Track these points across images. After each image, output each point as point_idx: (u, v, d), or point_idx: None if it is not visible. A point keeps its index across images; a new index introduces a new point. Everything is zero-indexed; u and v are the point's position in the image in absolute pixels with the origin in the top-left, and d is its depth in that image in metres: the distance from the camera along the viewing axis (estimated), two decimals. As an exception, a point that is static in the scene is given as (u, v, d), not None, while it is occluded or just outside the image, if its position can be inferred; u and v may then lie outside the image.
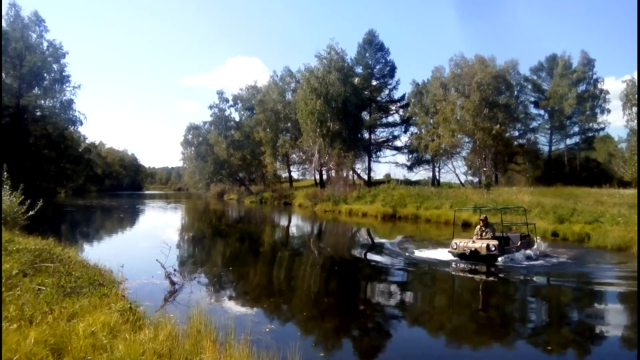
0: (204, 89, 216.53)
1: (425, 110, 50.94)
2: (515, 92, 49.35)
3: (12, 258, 9.00)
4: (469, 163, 49.67)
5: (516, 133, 51.43)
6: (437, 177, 53.95)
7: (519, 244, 14.42)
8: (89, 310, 6.13)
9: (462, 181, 50.31)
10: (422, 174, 55.42)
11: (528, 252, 14.36)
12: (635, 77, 38.88)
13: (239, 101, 67.29)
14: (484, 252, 12.99)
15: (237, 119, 67.81)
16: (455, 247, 13.60)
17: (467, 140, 47.62)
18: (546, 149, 53.72)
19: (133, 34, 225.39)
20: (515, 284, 11.54)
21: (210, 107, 65.33)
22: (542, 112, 53.46)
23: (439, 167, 53.44)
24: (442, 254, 14.27)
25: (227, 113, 66.39)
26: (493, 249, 12.97)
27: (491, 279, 12.03)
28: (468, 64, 46.21)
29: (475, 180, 48.22)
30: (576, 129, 51.74)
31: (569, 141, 52.83)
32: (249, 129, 63.45)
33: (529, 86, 54.24)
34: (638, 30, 8.44)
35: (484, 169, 45.02)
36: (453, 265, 13.13)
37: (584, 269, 13.37)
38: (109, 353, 4.63)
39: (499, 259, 13.06)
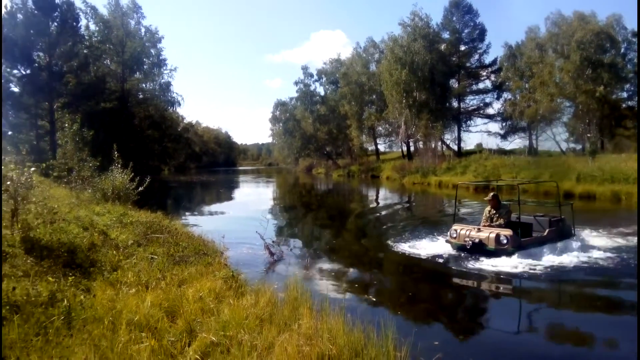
0: (290, 64, 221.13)
1: (520, 74, 47.59)
2: (622, 50, 44.27)
3: (127, 230, 9.95)
4: (570, 129, 45.85)
5: (624, 94, 46.26)
6: (535, 146, 50.59)
7: (546, 233, 10.42)
8: (196, 277, 6.64)
9: (563, 149, 46.77)
10: (517, 142, 52.12)
11: (561, 244, 10.36)
12: None
13: (323, 75, 67.47)
14: (492, 245, 9.52)
15: (322, 93, 68.29)
16: (454, 235, 10.31)
17: (567, 104, 43.92)
18: (660, 110, 48.10)
19: (219, 16, 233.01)
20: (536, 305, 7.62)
21: (296, 83, 66.52)
22: (655, 69, 47.68)
23: (536, 134, 49.92)
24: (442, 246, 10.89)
25: (312, 88, 67.13)
26: (505, 241, 9.44)
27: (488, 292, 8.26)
28: (566, 22, 42.28)
29: (579, 147, 44.58)
30: (695, 86, 45.59)
31: (685, 101, 46.74)
32: (334, 102, 63.55)
33: (638, 42, 48.49)
34: (638, 29, 7.22)
35: (588, 135, 41.43)
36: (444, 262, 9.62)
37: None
38: (216, 316, 4.98)
39: (513, 255, 9.32)
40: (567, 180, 23.16)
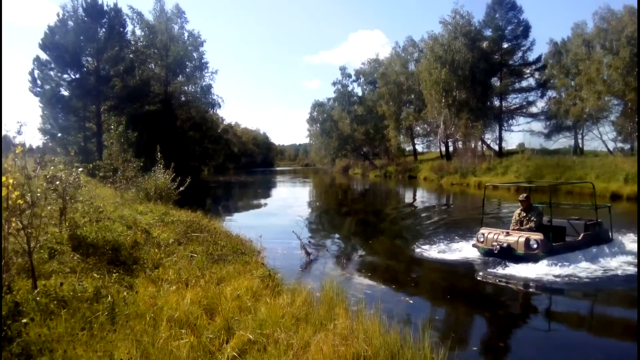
0: (328, 65, 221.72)
1: (565, 72, 46.04)
2: (676, 45, 42.12)
3: (169, 228, 10.22)
4: (618, 128, 43.90)
5: (677, 92, 44.08)
6: (580, 145, 48.74)
7: (580, 237, 9.78)
8: (234, 276, 6.75)
9: (611, 149, 44.83)
10: (562, 142, 50.16)
11: (597, 250, 9.65)
12: None
13: (361, 76, 67.27)
14: (521, 250, 9.00)
15: (360, 93, 68.08)
16: (481, 239, 9.78)
17: (616, 102, 42.08)
18: None
19: (258, 18, 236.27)
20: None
21: (334, 84, 66.63)
22: None
23: (582, 133, 48.12)
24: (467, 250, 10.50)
25: (349, 88, 67.06)
26: (535, 245, 8.89)
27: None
28: (616, 17, 40.53)
29: (627, 147, 42.64)
30: None
31: None
32: (372, 103, 63.23)
33: (697, 35, 45.89)
34: (638, 29, 6.67)
35: (637, 134, 39.57)
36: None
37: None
38: (253, 315, 5.05)
39: (544, 261, 8.76)
40: (614, 181, 22.18)
